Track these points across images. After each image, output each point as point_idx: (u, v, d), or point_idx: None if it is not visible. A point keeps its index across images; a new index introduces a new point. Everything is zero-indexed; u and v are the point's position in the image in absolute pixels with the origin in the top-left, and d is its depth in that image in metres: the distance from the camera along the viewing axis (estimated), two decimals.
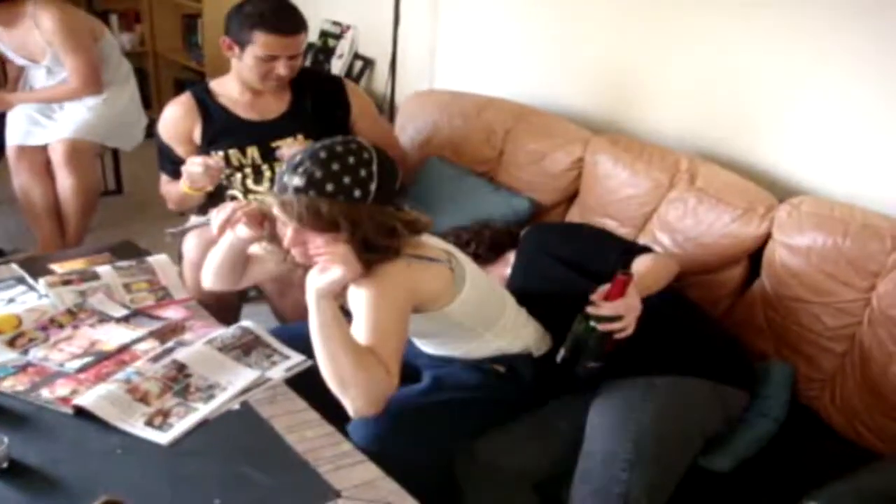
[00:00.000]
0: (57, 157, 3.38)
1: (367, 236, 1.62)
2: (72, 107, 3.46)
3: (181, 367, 1.75)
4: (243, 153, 2.52)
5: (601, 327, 1.76)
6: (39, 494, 1.43)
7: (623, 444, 1.76)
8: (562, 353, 1.82)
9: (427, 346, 1.94)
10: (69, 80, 3.40)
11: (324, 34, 4.13)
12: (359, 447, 1.60)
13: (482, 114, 2.96)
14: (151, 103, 5.02)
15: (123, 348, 1.83)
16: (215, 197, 2.56)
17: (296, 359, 1.84)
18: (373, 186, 1.62)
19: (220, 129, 2.53)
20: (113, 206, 4.11)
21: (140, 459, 1.52)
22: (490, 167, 2.90)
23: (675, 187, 2.39)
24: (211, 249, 2.34)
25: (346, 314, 1.66)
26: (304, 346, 1.84)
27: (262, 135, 2.53)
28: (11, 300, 1.99)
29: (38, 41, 3.34)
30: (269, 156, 2.53)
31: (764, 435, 1.97)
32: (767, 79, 2.43)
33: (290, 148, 2.41)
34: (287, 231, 1.66)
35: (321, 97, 2.60)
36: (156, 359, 1.77)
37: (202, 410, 1.64)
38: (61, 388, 1.67)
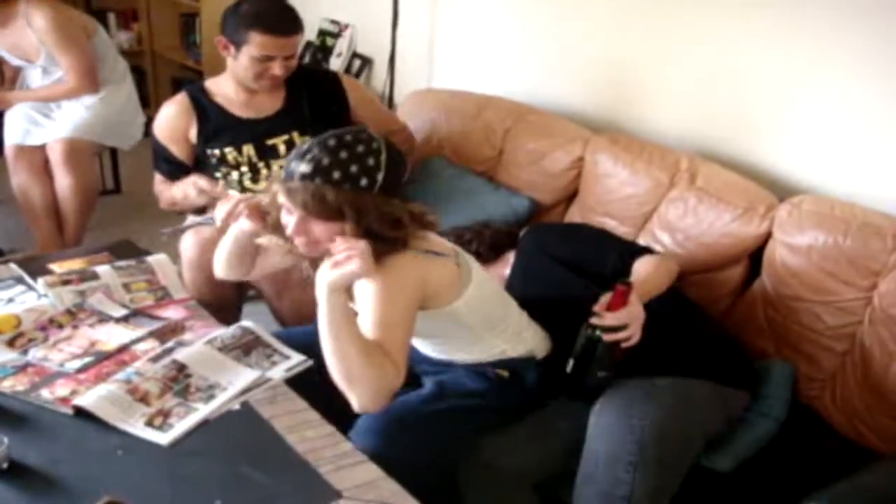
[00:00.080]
0: (55, 156, 3.38)
1: (371, 226, 1.61)
2: (69, 106, 3.45)
3: (181, 368, 1.74)
4: (239, 151, 2.52)
5: (607, 337, 1.77)
6: (39, 495, 1.42)
7: (625, 446, 1.76)
8: (570, 363, 1.83)
9: (429, 350, 1.93)
10: (65, 78, 3.40)
11: (322, 33, 4.12)
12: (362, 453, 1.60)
13: (481, 113, 2.95)
14: (149, 102, 5.01)
15: (123, 348, 1.82)
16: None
17: (296, 359, 1.84)
18: (380, 176, 1.62)
19: (216, 127, 2.53)
20: (111, 206, 4.10)
21: (140, 460, 1.51)
22: (489, 166, 2.90)
23: (675, 186, 2.39)
24: (208, 248, 2.34)
25: None
26: (305, 349, 1.85)
27: (258, 133, 2.53)
28: (10, 300, 1.98)
29: (32, 41, 3.33)
30: (266, 154, 2.53)
31: (765, 435, 1.97)
32: (768, 78, 2.43)
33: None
34: (291, 219, 1.66)
35: (317, 93, 2.60)
36: (156, 359, 1.77)
37: (202, 411, 1.64)
38: (61, 389, 1.66)
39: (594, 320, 1.78)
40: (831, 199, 2.19)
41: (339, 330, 1.54)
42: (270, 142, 2.53)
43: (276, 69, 2.44)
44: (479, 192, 2.79)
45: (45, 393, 1.65)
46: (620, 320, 1.77)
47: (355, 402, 1.57)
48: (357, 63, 3.99)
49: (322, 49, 4.09)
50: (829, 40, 2.26)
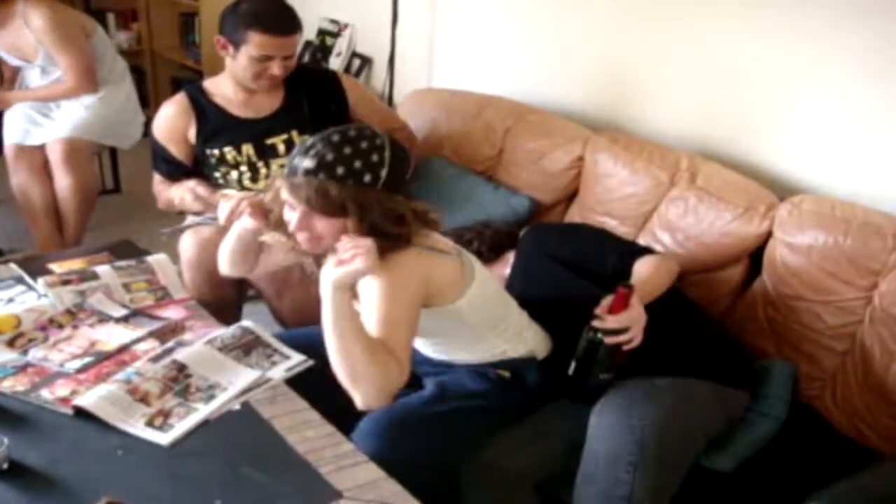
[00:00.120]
0: (54, 156, 3.37)
1: (374, 222, 1.61)
2: (69, 106, 3.45)
3: (181, 368, 1.74)
4: (239, 151, 2.52)
5: (608, 340, 1.77)
6: (40, 495, 1.42)
7: (625, 446, 1.76)
8: (572, 366, 1.83)
9: (430, 350, 1.93)
10: (64, 78, 3.39)
11: (322, 32, 4.12)
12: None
13: (481, 112, 2.95)
14: (149, 102, 5.01)
15: (123, 348, 1.82)
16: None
17: (296, 359, 1.84)
18: (383, 172, 1.62)
19: (215, 127, 2.53)
20: (111, 206, 4.10)
21: (140, 460, 1.51)
22: (489, 166, 2.90)
23: (675, 186, 2.39)
24: (207, 248, 2.35)
25: None
26: (306, 350, 1.85)
27: (257, 132, 2.53)
28: (10, 300, 1.98)
29: (30, 40, 3.33)
30: (265, 153, 2.53)
31: (765, 434, 1.96)
32: (768, 77, 2.43)
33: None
34: (294, 216, 1.66)
35: (316, 92, 2.60)
36: (156, 359, 1.76)
37: (203, 411, 1.63)
38: (61, 389, 1.66)
39: (596, 323, 1.78)
40: (831, 199, 2.19)
41: (343, 328, 1.54)
42: (270, 141, 2.53)
43: (275, 69, 2.44)
44: (479, 192, 2.79)
45: (45, 393, 1.65)
46: (622, 323, 1.77)
47: (359, 399, 1.57)
48: (357, 63, 3.98)
49: (321, 48, 4.09)
50: (830, 40, 2.26)
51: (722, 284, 2.30)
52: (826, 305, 2.09)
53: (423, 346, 1.93)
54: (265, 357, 1.83)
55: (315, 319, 2.32)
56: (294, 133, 2.54)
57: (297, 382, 1.77)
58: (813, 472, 1.86)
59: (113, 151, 4.21)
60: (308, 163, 1.61)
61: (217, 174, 2.57)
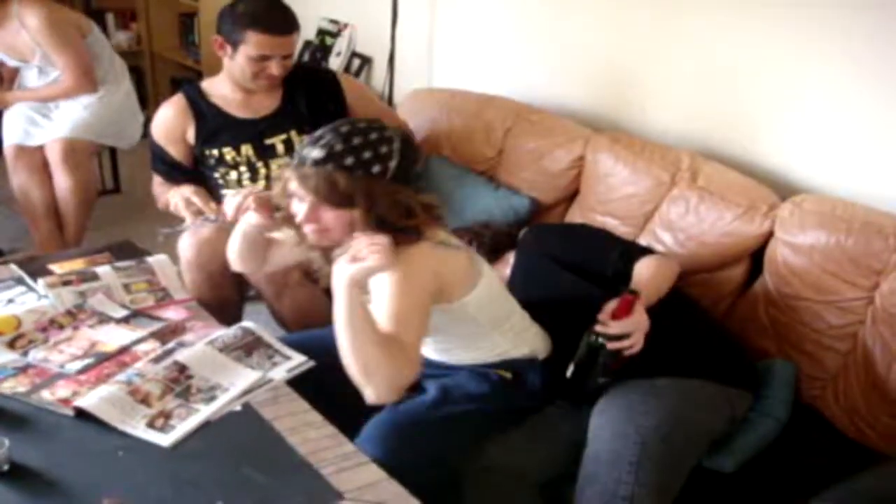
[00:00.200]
0: (54, 156, 3.37)
1: (382, 214, 1.61)
2: (68, 106, 3.45)
3: (182, 369, 1.73)
4: (238, 151, 2.52)
5: (610, 346, 1.77)
6: (40, 497, 1.42)
7: (627, 446, 1.75)
8: (571, 369, 1.83)
9: (431, 351, 1.92)
10: (62, 78, 3.39)
11: (321, 32, 4.11)
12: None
13: (482, 112, 2.95)
14: (148, 102, 5.01)
15: (124, 349, 1.82)
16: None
17: (297, 359, 1.83)
18: (392, 164, 1.62)
19: (214, 128, 2.53)
20: (111, 206, 4.10)
21: (141, 461, 1.51)
22: (490, 166, 2.90)
23: (676, 185, 2.39)
24: (206, 248, 2.34)
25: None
26: (308, 353, 1.84)
27: (256, 132, 2.53)
28: (11, 301, 1.97)
29: (27, 41, 3.32)
30: (264, 153, 2.53)
31: (767, 435, 1.96)
32: (769, 77, 2.43)
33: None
34: (302, 207, 1.66)
35: (315, 92, 2.60)
36: (157, 360, 1.76)
37: (204, 412, 1.63)
38: (62, 390, 1.66)
39: (598, 328, 1.78)
40: (833, 199, 2.18)
41: (356, 324, 1.52)
42: (269, 141, 2.53)
43: (274, 69, 2.44)
44: (479, 192, 2.79)
45: (46, 394, 1.64)
46: (625, 329, 1.77)
47: (371, 394, 1.56)
48: (356, 62, 3.98)
49: (321, 48, 4.08)
50: (831, 39, 2.26)
51: (723, 284, 2.30)
52: (828, 305, 2.08)
53: (425, 347, 1.92)
54: (266, 358, 1.82)
55: (315, 320, 2.34)
56: (293, 133, 2.54)
57: (299, 383, 1.77)
58: (815, 473, 1.86)
59: (113, 151, 4.21)
60: (317, 153, 1.61)
61: (216, 175, 2.56)
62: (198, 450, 1.55)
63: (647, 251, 2.13)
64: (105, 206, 3.93)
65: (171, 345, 1.84)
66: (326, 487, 1.46)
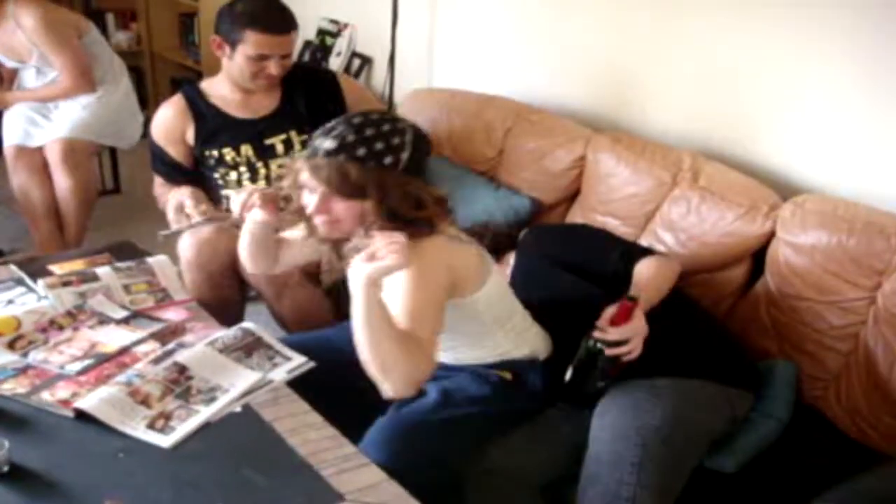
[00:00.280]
0: (53, 156, 3.37)
1: (393, 205, 1.62)
2: (67, 106, 3.45)
3: (182, 369, 1.73)
4: (237, 152, 2.52)
5: (608, 351, 1.77)
6: (40, 498, 1.41)
7: (629, 448, 1.75)
8: (569, 373, 1.83)
9: None
10: (60, 78, 3.38)
11: (321, 32, 4.11)
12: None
13: (482, 112, 2.95)
14: (148, 102, 5.00)
15: (124, 350, 1.81)
16: (210, 199, 2.56)
17: (298, 360, 1.83)
18: (404, 156, 1.63)
19: (213, 128, 2.53)
20: (111, 206, 4.10)
21: (142, 463, 1.51)
22: (490, 166, 2.89)
23: (677, 186, 2.38)
24: (206, 249, 2.34)
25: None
26: (309, 354, 1.84)
27: (256, 132, 2.53)
28: (10, 301, 1.97)
29: (23, 41, 3.32)
30: (264, 153, 2.53)
31: (768, 435, 1.95)
32: (770, 77, 2.42)
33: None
34: (313, 198, 1.66)
35: (314, 92, 2.60)
36: (157, 361, 1.76)
37: (204, 413, 1.63)
38: (62, 391, 1.65)
39: (597, 333, 1.78)
40: (835, 199, 2.18)
41: (373, 322, 1.52)
42: (268, 141, 2.53)
43: (272, 68, 2.44)
44: (479, 192, 2.78)
45: (46, 395, 1.64)
46: (624, 335, 1.77)
47: (388, 389, 1.56)
48: (357, 62, 3.98)
49: (321, 48, 4.08)
50: (832, 39, 2.26)
51: (724, 285, 2.29)
52: (829, 306, 2.08)
53: None
54: (267, 359, 1.82)
55: (315, 320, 2.34)
56: (292, 133, 2.54)
57: (299, 384, 1.76)
58: (816, 473, 1.85)
59: (113, 152, 4.21)
60: (329, 143, 1.61)
61: (216, 175, 2.56)
62: (198, 451, 1.54)
63: (647, 252, 2.13)
64: (105, 206, 3.93)
65: (171, 346, 1.84)
66: (327, 489, 1.46)
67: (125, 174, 4.37)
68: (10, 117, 3.47)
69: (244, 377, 1.74)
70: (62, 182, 3.38)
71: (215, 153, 2.52)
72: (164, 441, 1.55)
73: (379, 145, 1.61)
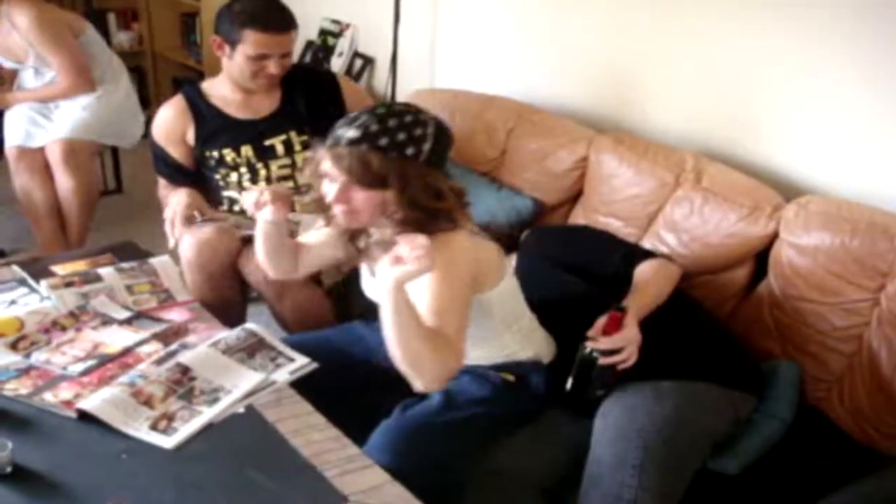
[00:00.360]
0: (54, 157, 3.37)
1: (414, 196, 1.63)
2: (67, 106, 3.44)
3: (185, 370, 1.73)
4: (238, 153, 2.51)
5: (602, 361, 1.79)
6: (43, 499, 1.41)
7: (631, 450, 1.75)
8: (569, 382, 1.84)
9: None
10: (58, 78, 3.38)
11: (323, 32, 4.11)
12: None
13: (484, 112, 2.94)
14: (150, 102, 5.00)
15: (127, 351, 1.81)
16: (211, 200, 2.56)
17: (301, 361, 1.83)
18: (426, 147, 1.64)
19: (213, 129, 2.52)
20: (113, 206, 4.10)
21: (145, 464, 1.51)
22: (492, 166, 2.89)
23: (680, 186, 2.38)
24: (206, 249, 2.34)
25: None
26: (311, 354, 1.84)
27: (256, 133, 2.52)
28: (13, 302, 1.97)
29: (19, 42, 3.32)
30: (264, 154, 2.52)
31: (771, 436, 1.95)
32: (772, 77, 2.42)
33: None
34: (333, 188, 1.66)
35: (314, 92, 2.59)
36: (160, 362, 1.76)
37: (207, 414, 1.63)
38: (65, 392, 1.65)
39: (590, 343, 1.79)
40: (838, 200, 2.17)
41: (402, 322, 1.52)
42: (268, 142, 2.52)
43: (272, 68, 2.44)
44: (482, 193, 2.77)
45: (49, 396, 1.64)
46: (616, 344, 1.78)
47: (418, 384, 1.57)
48: (359, 63, 3.97)
49: (323, 48, 4.08)
50: (834, 38, 2.25)
51: (727, 286, 2.29)
52: (833, 307, 2.07)
53: None
54: (269, 359, 1.82)
55: (316, 321, 2.34)
56: (292, 134, 2.54)
57: (302, 385, 1.76)
58: (819, 475, 1.85)
59: (114, 152, 4.20)
60: (352, 133, 1.62)
61: (217, 176, 2.56)
62: (201, 452, 1.54)
63: (649, 254, 2.13)
64: (107, 206, 3.92)
65: (173, 346, 1.84)
66: (330, 490, 1.46)
67: (127, 174, 4.36)
68: (12, 118, 3.47)
69: (247, 378, 1.74)
70: (64, 182, 3.37)
71: (215, 154, 2.52)
72: (167, 442, 1.55)
73: (401, 136, 1.62)
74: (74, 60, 3.37)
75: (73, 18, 3.53)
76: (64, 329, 1.88)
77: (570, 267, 2.12)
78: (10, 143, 3.43)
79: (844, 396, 2.06)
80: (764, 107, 2.47)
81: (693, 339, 2.03)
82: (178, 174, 2.58)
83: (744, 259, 2.27)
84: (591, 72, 2.97)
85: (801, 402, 2.04)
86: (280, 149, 2.53)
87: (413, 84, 3.55)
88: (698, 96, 2.65)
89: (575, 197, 2.71)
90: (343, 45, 4.02)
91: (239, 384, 1.72)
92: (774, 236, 2.19)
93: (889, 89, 2.17)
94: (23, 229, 3.63)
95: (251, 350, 1.83)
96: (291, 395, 1.72)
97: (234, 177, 2.54)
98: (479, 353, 1.86)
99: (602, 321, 1.81)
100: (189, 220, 2.38)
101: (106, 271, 2.10)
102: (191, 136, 2.54)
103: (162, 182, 2.63)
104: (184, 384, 1.70)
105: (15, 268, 2.13)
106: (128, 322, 1.94)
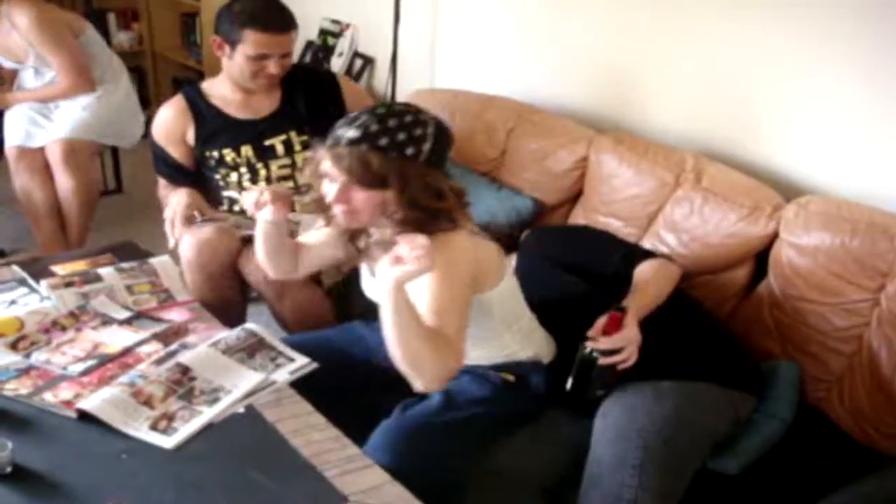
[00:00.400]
0: (54, 157, 3.37)
1: (414, 196, 1.63)
2: (67, 106, 3.44)
3: (185, 370, 1.73)
4: (237, 153, 2.51)
5: (602, 361, 1.79)
6: (43, 499, 1.41)
7: (631, 450, 1.75)
8: (570, 382, 1.85)
9: None
10: (58, 78, 3.38)
11: (323, 32, 4.11)
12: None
13: (484, 112, 2.94)
14: (150, 103, 5.00)
15: (127, 351, 1.81)
16: (211, 201, 2.56)
17: (301, 361, 1.83)
18: (426, 147, 1.64)
19: (213, 129, 2.52)
20: (114, 206, 4.10)
21: (145, 464, 1.51)
22: (492, 167, 2.89)
23: (680, 186, 2.38)
24: (206, 249, 2.34)
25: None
26: (311, 354, 1.84)
27: (255, 133, 2.52)
28: (13, 302, 1.97)
29: (19, 42, 3.32)
30: (264, 154, 2.52)
31: (771, 436, 1.95)
32: (772, 76, 2.42)
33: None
34: (333, 188, 1.67)
35: (313, 93, 2.59)
36: (159, 362, 1.76)
37: (207, 414, 1.63)
38: (65, 392, 1.65)
39: (589, 343, 1.79)
40: (838, 200, 2.17)
41: (402, 323, 1.52)
42: (268, 142, 2.52)
43: (272, 67, 2.44)
44: (481, 193, 2.77)
45: (49, 396, 1.64)
46: (615, 344, 1.79)
47: (419, 385, 1.58)
48: (359, 63, 3.97)
49: (323, 48, 4.08)
50: (834, 38, 2.25)
51: (727, 286, 2.29)
52: (833, 307, 2.07)
53: None
54: (269, 359, 1.82)
55: (315, 321, 2.34)
56: (292, 134, 2.54)
57: (302, 385, 1.76)
58: (819, 475, 1.85)
59: (115, 152, 4.20)
60: (352, 133, 1.63)
61: (217, 176, 2.56)
62: (201, 452, 1.54)
63: (649, 254, 2.12)
64: (107, 206, 3.92)
65: (173, 346, 1.84)
66: (330, 490, 1.46)
67: (127, 174, 4.36)
68: (12, 118, 3.47)
69: (247, 378, 1.74)
70: (64, 182, 3.37)
71: (215, 154, 2.52)
72: (167, 442, 1.55)
73: (401, 136, 1.62)
74: (74, 60, 3.37)
75: (73, 18, 3.53)
76: (64, 329, 1.88)
77: (570, 267, 2.12)
78: (10, 143, 3.43)
79: (844, 396, 2.06)
80: (764, 107, 2.47)
81: (693, 339, 2.03)
82: (178, 174, 2.58)
83: (744, 259, 2.27)
84: (592, 72, 2.97)
85: (801, 402, 2.04)
86: (280, 149, 2.53)
87: (413, 84, 3.54)
88: (698, 96, 2.65)
89: (575, 197, 2.71)
90: (343, 45, 4.02)
91: (239, 384, 1.72)
92: (774, 236, 2.19)
93: (889, 89, 2.17)
94: (23, 229, 3.63)
95: (251, 350, 1.83)
96: (291, 395, 1.72)
97: (234, 177, 2.54)
98: (479, 353, 1.86)
99: (602, 321, 1.81)
100: (189, 220, 2.39)
101: (106, 271, 2.10)
102: (191, 136, 2.54)
103: (162, 182, 2.63)
104: (184, 384, 1.69)
105: (15, 268, 2.13)
106: (128, 322, 1.94)
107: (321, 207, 1.77)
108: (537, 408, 1.94)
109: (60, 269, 2.11)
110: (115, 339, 1.86)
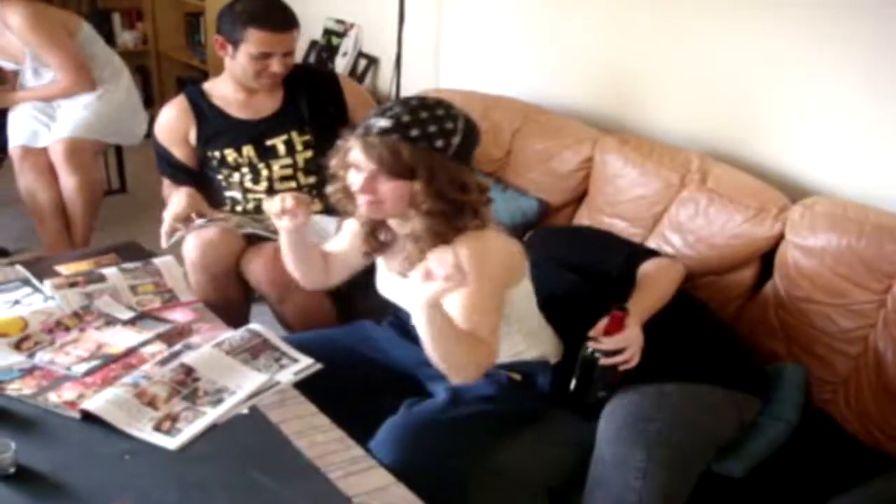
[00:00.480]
0: (57, 157, 3.37)
1: (441, 188, 1.64)
2: (69, 106, 3.44)
3: (189, 371, 1.73)
4: (239, 153, 2.51)
5: (604, 361, 1.79)
6: (47, 500, 1.41)
7: (635, 452, 1.74)
8: (573, 383, 1.85)
9: None
10: (57, 77, 3.38)
11: (328, 32, 4.11)
12: (384, 465, 1.58)
13: (489, 113, 2.93)
14: (154, 102, 5.01)
15: (130, 351, 1.81)
16: (214, 201, 2.55)
17: (305, 362, 1.82)
18: (455, 140, 1.65)
19: (215, 129, 2.52)
20: (117, 205, 4.10)
21: (148, 465, 1.50)
22: (497, 167, 2.89)
23: (686, 187, 2.37)
24: (210, 250, 2.33)
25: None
26: (314, 354, 1.83)
27: (257, 133, 2.52)
28: (17, 302, 1.97)
29: (15, 43, 3.32)
30: (265, 154, 2.52)
31: (777, 438, 1.94)
32: (776, 76, 2.41)
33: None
34: (360, 177, 1.68)
35: (315, 93, 2.59)
36: (163, 362, 1.75)
37: (211, 415, 1.62)
38: (68, 392, 1.65)
39: (591, 344, 1.79)
40: (844, 201, 2.16)
41: (436, 333, 1.54)
42: (269, 142, 2.52)
43: (275, 66, 2.44)
44: None
45: (53, 396, 1.64)
46: (617, 345, 1.79)
47: (452, 378, 1.64)
48: (363, 63, 3.97)
49: (328, 48, 4.08)
50: (838, 38, 2.24)
51: (733, 287, 2.28)
52: (839, 309, 2.06)
53: None
54: (273, 360, 1.82)
55: (318, 323, 2.33)
56: (294, 134, 2.53)
57: (306, 386, 1.76)
58: (825, 477, 1.84)
59: (118, 151, 4.20)
60: (384, 122, 1.64)
61: (219, 176, 2.56)
62: (205, 453, 1.54)
63: (653, 254, 2.12)
64: (111, 206, 3.92)
65: (177, 347, 1.83)
66: (334, 492, 1.46)
67: (131, 174, 4.36)
68: (16, 118, 3.47)
69: (251, 379, 1.74)
70: (68, 182, 3.37)
71: (217, 154, 2.51)
72: (171, 443, 1.54)
73: (432, 128, 1.64)
74: (72, 58, 3.37)
75: (68, 17, 3.52)
76: (68, 329, 1.88)
77: (575, 267, 2.11)
78: (15, 143, 3.43)
79: (850, 398, 2.05)
80: (769, 107, 2.46)
81: (697, 340, 2.03)
82: (180, 174, 2.58)
83: (749, 260, 2.26)
84: (595, 72, 2.96)
85: (806, 405, 2.03)
86: (281, 149, 2.52)
87: (417, 84, 3.54)
88: (703, 97, 2.64)
89: (580, 197, 2.70)
90: (347, 45, 4.02)
91: (243, 385, 1.71)
92: (780, 237, 2.18)
93: (890, 89, 2.16)
94: (27, 229, 3.63)
95: (255, 351, 1.83)
96: (295, 396, 1.72)
97: (236, 177, 2.54)
98: None
99: (603, 321, 1.81)
100: (187, 221, 2.38)
101: (110, 271, 2.10)
102: (193, 137, 2.54)
103: (165, 182, 2.63)
104: (187, 385, 1.69)
105: (19, 267, 2.13)
106: (131, 322, 1.93)
107: (346, 196, 1.78)
108: (543, 407, 1.94)
109: (64, 269, 2.11)
110: (119, 339, 1.86)
